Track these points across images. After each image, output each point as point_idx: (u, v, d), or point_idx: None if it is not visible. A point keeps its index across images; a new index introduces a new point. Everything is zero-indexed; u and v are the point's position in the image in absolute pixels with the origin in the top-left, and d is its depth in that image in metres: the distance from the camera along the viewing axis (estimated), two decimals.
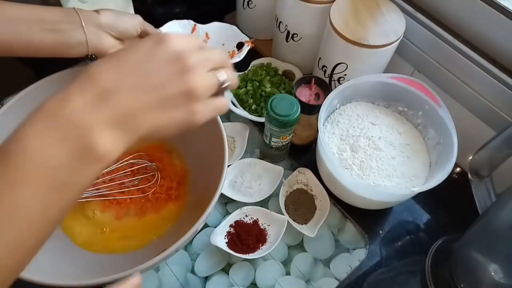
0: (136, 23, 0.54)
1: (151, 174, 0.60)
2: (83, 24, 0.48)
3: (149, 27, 0.57)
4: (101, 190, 0.58)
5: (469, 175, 0.54)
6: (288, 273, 0.56)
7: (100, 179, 0.59)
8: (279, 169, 0.63)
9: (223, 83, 0.34)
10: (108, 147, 0.28)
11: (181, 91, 0.31)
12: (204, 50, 0.33)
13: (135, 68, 0.30)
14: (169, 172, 0.61)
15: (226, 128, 0.56)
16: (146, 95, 0.30)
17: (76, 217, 0.56)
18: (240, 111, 0.67)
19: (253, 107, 0.69)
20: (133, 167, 0.60)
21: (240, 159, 0.64)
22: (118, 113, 0.29)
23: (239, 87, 0.71)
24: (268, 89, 0.69)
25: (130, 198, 0.58)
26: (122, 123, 0.29)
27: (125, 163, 0.60)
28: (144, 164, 0.60)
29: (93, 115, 0.28)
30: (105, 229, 0.56)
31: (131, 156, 0.60)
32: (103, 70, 0.30)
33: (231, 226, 0.59)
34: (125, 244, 0.55)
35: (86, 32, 0.49)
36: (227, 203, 0.62)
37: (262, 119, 0.67)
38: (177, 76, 0.31)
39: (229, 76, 0.35)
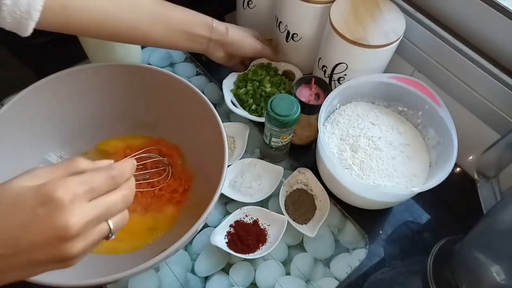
0: (253, 50, 0.67)
1: (162, 168, 0.60)
2: (210, 44, 0.61)
3: (264, 51, 0.69)
4: None
5: (475, 176, 0.54)
6: (288, 273, 0.56)
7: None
8: (279, 169, 0.63)
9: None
10: None
11: (56, 258, 0.29)
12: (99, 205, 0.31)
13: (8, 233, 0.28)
14: (180, 175, 0.61)
15: (226, 128, 0.56)
16: (13, 259, 0.29)
17: None
18: (240, 111, 0.67)
19: (253, 107, 0.69)
20: (144, 161, 0.60)
21: (240, 159, 0.64)
22: None
23: (239, 87, 0.71)
24: (268, 89, 0.69)
25: (141, 192, 0.58)
26: None
27: (137, 157, 0.60)
28: (156, 158, 0.60)
29: None
30: None
31: (143, 150, 0.60)
32: None
33: (231, 226, 0.59)
34: (116, 245, 0.55)
35: (209, 47, 0.61)
36: (227, 203, 0.62)
37: (262, 119, 0.67)
38: (56, 243, 0.29)
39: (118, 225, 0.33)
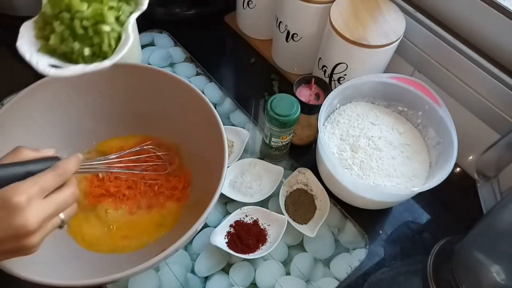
0: None
1: (160, 164, 0.60)
2: None
3: None
4: (112, 168, 0.55)
5: (476, 176, 0.54)
6: (288, 273, 0.56)
7: (114, 157, 0.54)
8: (279, 169, 0.63)
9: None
10: None
11: (17, 249, 0.35)
12: (51, 205, 0.36)
13: None
14: (178, 173, 0.61)
15: (226, 132, 0.55)
16: None
17: (87, 219, 0.57)
18: (71, 68, 0.42)
19: (87, 52, 0.43)
20: (141, 155, 0.59)
21: (240, 159, 0.64)
22: None
23: (46, 38, 0.44)
24: (87, 12, 0.41)
25: (145, 182, 0.59)
26: None
27: (139, 148, 0.59)
28: (153, 153, 0.60)
29: None
30: (112, 227, 0.56)
31: (141, 145, 0.59)
32: None
33: (231, 226, 0.59)
34: (127, 243, 0.55)
35: None
36: (227, 203, 0.62)
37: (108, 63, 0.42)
38: (17, 238, 0.34)
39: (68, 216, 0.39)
